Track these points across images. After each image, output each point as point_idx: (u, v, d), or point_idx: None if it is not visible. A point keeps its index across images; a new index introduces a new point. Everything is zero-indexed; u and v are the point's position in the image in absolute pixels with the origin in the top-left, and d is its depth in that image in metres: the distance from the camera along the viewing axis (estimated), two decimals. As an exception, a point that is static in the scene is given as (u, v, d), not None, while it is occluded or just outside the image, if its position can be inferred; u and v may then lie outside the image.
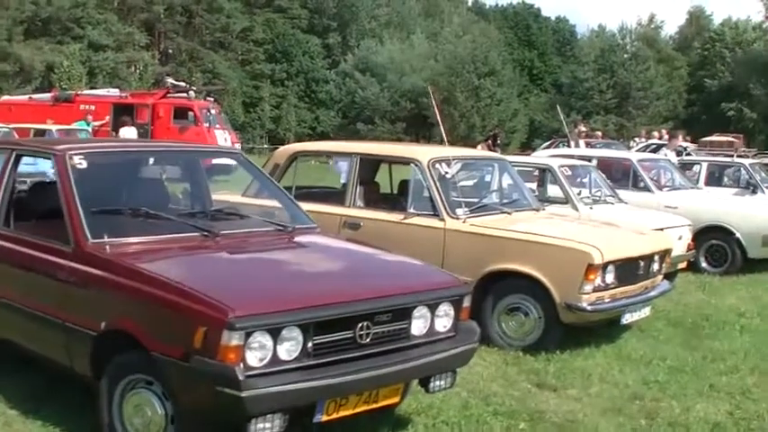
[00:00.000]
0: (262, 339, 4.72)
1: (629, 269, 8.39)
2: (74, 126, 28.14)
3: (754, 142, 62.09)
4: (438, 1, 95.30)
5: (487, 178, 10.77)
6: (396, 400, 5.54)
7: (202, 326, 4.68)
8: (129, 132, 27.56)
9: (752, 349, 8.75)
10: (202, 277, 5.18)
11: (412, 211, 8.82)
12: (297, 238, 6.33)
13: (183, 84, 33.86)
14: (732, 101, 74.01)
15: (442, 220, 8.56)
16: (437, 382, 5.68)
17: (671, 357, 8.24)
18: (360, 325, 5.10)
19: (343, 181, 10.41)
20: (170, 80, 34.14)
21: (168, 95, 31.92)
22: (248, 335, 4.65)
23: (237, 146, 32.55)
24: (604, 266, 7.97)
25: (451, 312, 5.71)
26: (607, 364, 7.92)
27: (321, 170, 13.04)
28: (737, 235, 13.45)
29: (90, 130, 28.44)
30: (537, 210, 9.58)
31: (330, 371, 4.94)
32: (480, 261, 8.28)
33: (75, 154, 6.09)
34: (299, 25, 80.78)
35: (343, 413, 5.15)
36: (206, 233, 5.90)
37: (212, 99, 34.35)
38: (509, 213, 9.01)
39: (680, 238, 11.74)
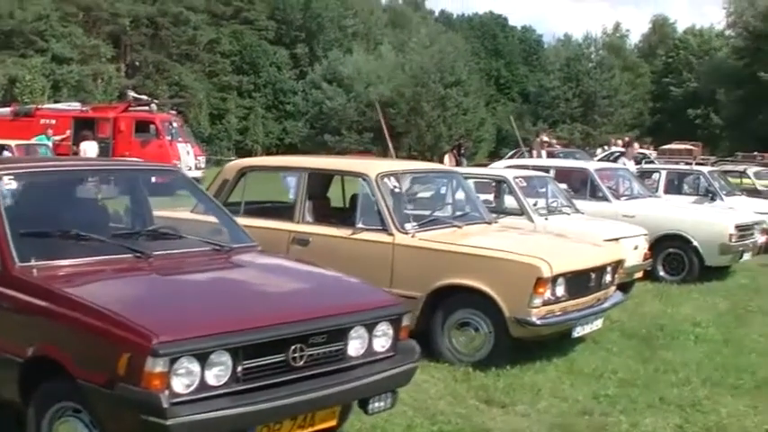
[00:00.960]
0: (188, 365, 4.58)
1: (579, 281, 8.30)
2: (34, 141, 27.89)
3: (720, 149, 62.45)
4: (405, 12, 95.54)
5: (439, 191, 10.68)
6: (333, 423, 5.40)
7: (126, 352, 4.53)
8: (89, 147, 27.38)
9: (705, 360, 8.69)
10: (128, 301, 5.02)
11: (360, 225, 8.68)
12: (234, 258, 6.19)
13: (144, 97, 33.63)
14: (698, 107, 74.48)
15: (391, 234, 8.43)
16: (376, 404, 5.55)
17: (623, 370, 8.16)
18: (293, 348, 4.96)
19: (291, 196, 10.29)
20: (132, 93, 33.96)
21: (130, 109, 31.68)
22: (173, 361, 4.51)
23: (201, 158, 32.38)
24: (554, 279, 7.87)
25: (390, 332, 5.59)
26: (558, 379, 7.83)
27: (276, 184, 12.88)
28: (695, 243, 13.43)
29: (50, 144, 28.20)
30: (489, 222, 9.48)
31: (261, 396, 4.79)
32: (429, 276, 8.17)
33: (4, 174, 5.91)
34: (266, 36, 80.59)
35: (277, 438, 5.02)
36: (138, 254, 5.74)
37: (174, 112, 34.10)
38: (459, 227, 8.90)
39: (636, 248, 11.70)
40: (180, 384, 4.56)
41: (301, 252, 8.73)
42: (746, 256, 14.23)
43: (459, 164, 31.27)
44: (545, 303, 7.86)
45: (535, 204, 11.92)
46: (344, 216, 9.28)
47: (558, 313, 8.08)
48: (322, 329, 5.16)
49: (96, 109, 33.20)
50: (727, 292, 12.80)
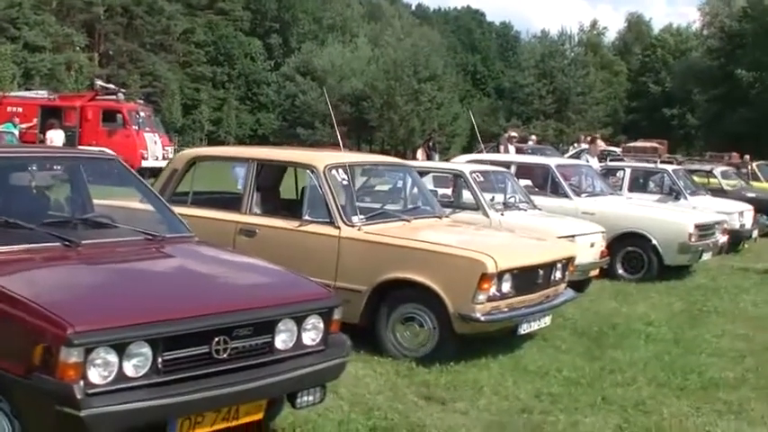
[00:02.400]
0: (105, 356, 4.48)
1: (527, 278, 8.22)
2: (0, 129, 27.61)
3: (695, 148, 62.76)
4: (382, 5, 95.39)
5: (390, 185, 10.60)
6: (259, 416, 5.28)
7: (41, 342, 4.43)
8: (56, 135, 27.18)
9: (653, 360, 8.62)
10: (47, 290, 4.89)
11: (307, 218, 8.57)
12: (166, 248, 6.07)
13: (112, 86, 33.38)
14: (673, 106, 74.76)
15: (337, 227, 8.33)
16: (305, 398, 5.46)
17: (568, 368, 8.07)
18: (216, 339, 4.86)
19: (239, 187, 10.18)
20: (99, 82, 33.68)
21: (97, 98, 31.44)
22: (89, 351, 4.40)
23: (170, 149, 32.16)
24: (500, 275, 7.79)
25: (320, 325, 5.49)
26: (501, 376, 7.73)
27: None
28: (654, 242, 13.38)
29: (17, 132, 27.91)
30: (440, 217, 9.39)
31: (182, 388, 4.69)
32: (374, 270, 8.08)
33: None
34: (240, 27, 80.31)
35: (199, 431, 4.91)
36: (67, 243, 5.62)
37: (142, 101, 33.87)
38: (408, 221, 8.81)
39: (592, 245, 11.65)
40: (96, 375, 4.45)
41: (248, 244, 8.64)
42: (706, 256, 14.18)
43: (430, 158, 31.24)
44: (490, 299, 7.78)
45: (492, 200, 11.86)
46: (293, 208, 9.17)
47: (504, 310, 8.00)
48: (247, 321, 5.07)
49: (63, 97, 32.94)
50: (684, 292, 12.74)
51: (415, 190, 9.82)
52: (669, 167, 18.11)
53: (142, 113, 31.07)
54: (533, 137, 35.87)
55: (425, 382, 7.41)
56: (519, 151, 24.65)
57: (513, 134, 25.94)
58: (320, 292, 5.68)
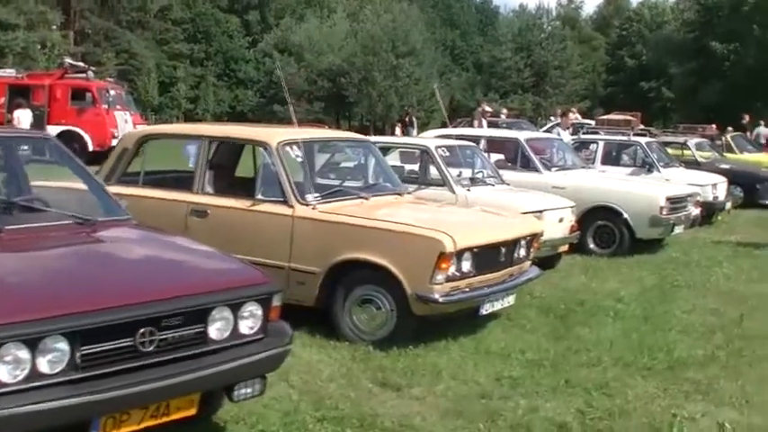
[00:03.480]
0: (16, 352, 4.14)
1: (488, 256, 7.90)
2: (-34, 108, 27.13)
3: (672, 121, 62.59)
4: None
5: (348, 161, 10.27)
6: (192, 412, 4.94)
7: (-56, 338, 4.09)
8: (23, 115, 26.65)
9: (620, 338, 8.33)
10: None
11: (260, 197, 8.22)
12: (97, 233, 5.69)
13: (81, 64, 32.83)
14: (650, 80, 74.65)
15: (291, 206, 8.00)
16: (242, 390, 5.14)
17: (532, 350, 7.78)
18: (141, 331, 4.53)
19: (191, 165, 9.84)
20: (68, 60, 33.10)
21: (66, 76, 30.90)
22: (-3, 347, 4.07)
23: (141, 127, 31.62)
24: (459, 254, 7.47)
25: (259, 313, 5.17)
26: (462, 359, 7.44)
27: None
28: (625, 215, 13.11)
29: (-18, 113, 27.43)
30: (401, 194, 9.05)
31: (104, 384, 4.36)
32: (329, 250, 7.75)
33: None
34: (218, 4, 79.58)
35: (125, 429, 4.59)
36: (-12, 229, 5.27)
37: (113, 79, 33.32)
38: (366, 198, 8.46)
39: (560, 221, 11.39)
40: (5, 373, 4.12)
41: (199, 224, 8.34)
42: (679, 229, 13.93)
43: (407, 134, 30.97)
44: (449, 279, 7.46)
45: (459, 175, 11.56)
46: (246, 187, 8.82)
47: (465, 290, 7.69)
48: (176, 311, 4.73)
49: (31, 76, 32.25)
50: (655, 266, 12.48)
51: (376, 166, 9.48)
52: (642, 140, 17.81)
53: (112, 92, 30.56)
54: (504, 110, 35.53)
55: (382, 366, 7.10)
56: (492, 125, 24.35)
57: (488, 108, 25.61)
58: (258, 277, 5.34)
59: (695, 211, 14.59)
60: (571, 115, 22.13)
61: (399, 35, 65.82)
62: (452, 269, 7.46)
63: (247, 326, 5.13)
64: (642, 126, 21.89)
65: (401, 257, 7.44)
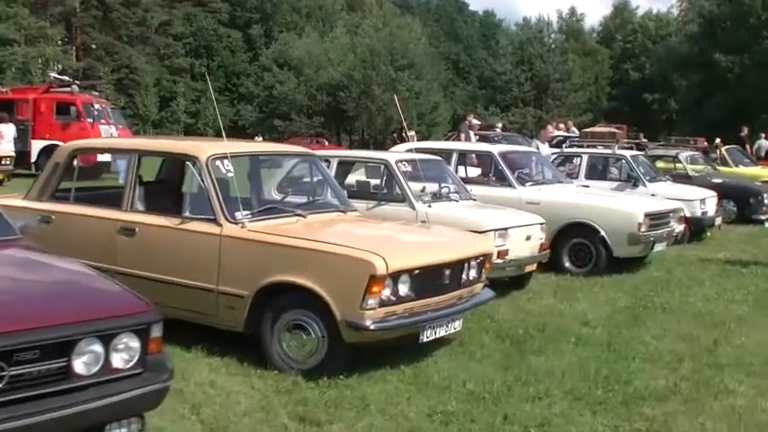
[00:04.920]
0: None
1: (430, 278, 7.29)
2: (-49, 122, 26.62)
3: (676, 133, 62.08)
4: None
5: (289, 177, 9.69)
6: (57, 457, 4.41)
7: None
8: (7, 129, 26.18)
9: (576, 368, 7.68)
10: None
11: (188, 215, 7.67)
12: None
13: (66, 78, 32.45)
14: (654, 92, 74.20)
15: (219, 225, 7.44)
16: (116, 431, 4.59)
17: (476, 380, 7.14)
18: (-13, 366, 4.00)
19: (121, 181, 9.29)
20: (53, 74, 32.77)
21: (51, 90, 30.54)
22: None
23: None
24: (394, 277, 6.87)
25: (135, 345, 4.64)
26: (396, 391, 6.83)
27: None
28: (602, 232, 12.46)
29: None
30: (344, 211, 8.47)
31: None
32: (257, 272, 7.18)
33: None
34: (219, 19, 79.49)
35: (-34, 483, 4.05)
36: None
37: (98, 93, 32.91)
38: (303, 216, 7.88)
39: (528, 239, 10.79)
40: None
41: (128, 244, 7.81)
42: (660, 247, 13.29)
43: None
44: (383, 304, 6.86)
45: (423, 190, 10.98)
46: (177, 204, 8.24)
47: (403, 315, 7.09)
48: (30, 344, 4.21)
49: (16, 90, 31.96)
50: (632, 287, 11.81)
51: (320, 181, 8.90)
52: (627, 153, 17.21)
53: (97, 105, 30.14)
54: (499, 124, 34.86)
55: (305, 399, 6.52)
56: (484, 140, 23.72)
57: (475, 121, 24.95)
58: (135, 304, 4.80)
59: (679, 228, 13.96)
60: (550, 128, 21.54)
61: (398, 48, 65.41)
62: (387, 293, 6.87)
63: (122, 359, 4.61)
64: (644, 139, 21.33)
65: (330, 280, 6.86)
